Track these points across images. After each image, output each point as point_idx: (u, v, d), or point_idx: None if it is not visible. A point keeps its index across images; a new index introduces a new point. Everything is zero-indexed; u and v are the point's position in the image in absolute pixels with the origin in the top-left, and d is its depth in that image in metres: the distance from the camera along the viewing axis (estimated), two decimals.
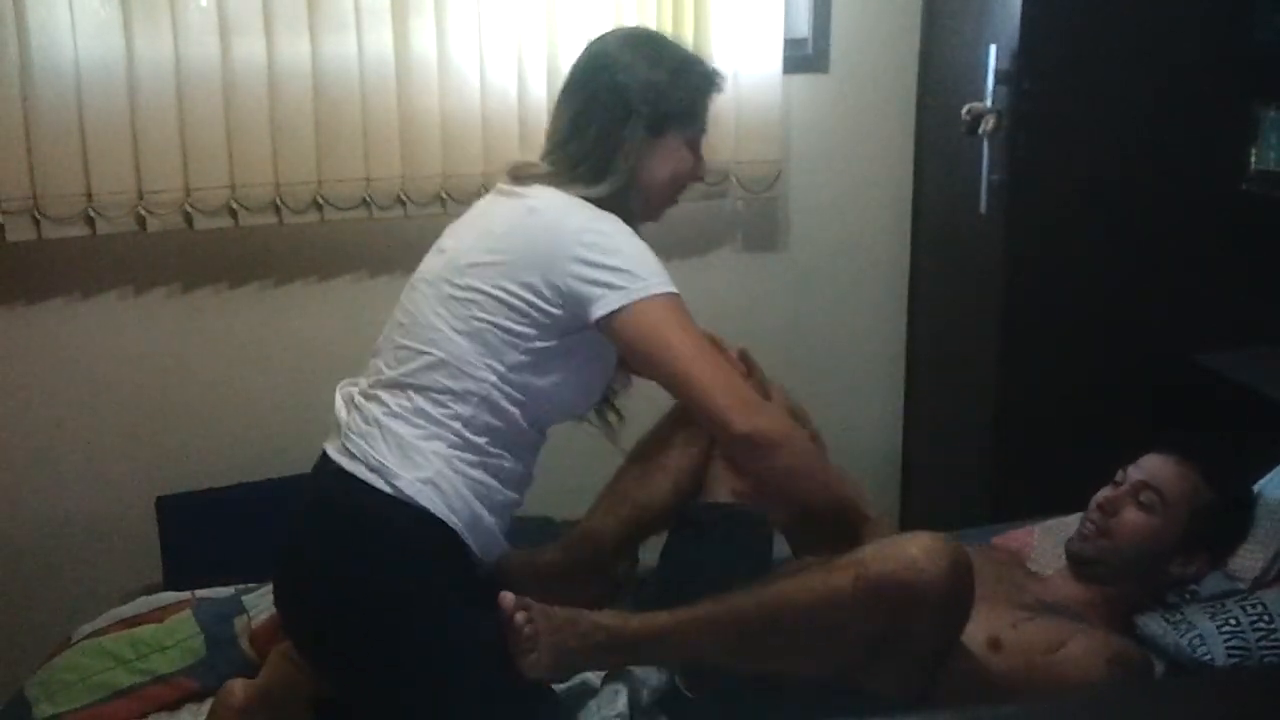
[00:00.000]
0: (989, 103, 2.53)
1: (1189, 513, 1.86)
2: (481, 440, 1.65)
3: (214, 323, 2.55)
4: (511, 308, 1.64)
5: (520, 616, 1.56)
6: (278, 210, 2.43)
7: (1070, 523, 2.05)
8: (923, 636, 1.53)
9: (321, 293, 2.62)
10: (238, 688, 1.75)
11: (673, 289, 1.66)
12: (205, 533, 2.47)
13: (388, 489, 1.61)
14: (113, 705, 1.80)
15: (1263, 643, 1.77)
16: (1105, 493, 1.91)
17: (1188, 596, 1.93)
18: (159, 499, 2.51)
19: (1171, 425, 2.52)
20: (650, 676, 1.77)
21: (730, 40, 2.64)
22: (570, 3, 2.51)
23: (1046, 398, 2.65)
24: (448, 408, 1.64)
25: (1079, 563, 1.90)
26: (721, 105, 2.67)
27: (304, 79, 2.38)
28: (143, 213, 2.35)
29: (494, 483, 1.67)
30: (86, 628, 1.99)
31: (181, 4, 2.28)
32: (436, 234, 2.61)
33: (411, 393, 1.66)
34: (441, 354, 1.65)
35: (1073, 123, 2.53)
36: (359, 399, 1.71)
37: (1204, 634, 1.78)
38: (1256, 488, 2.06)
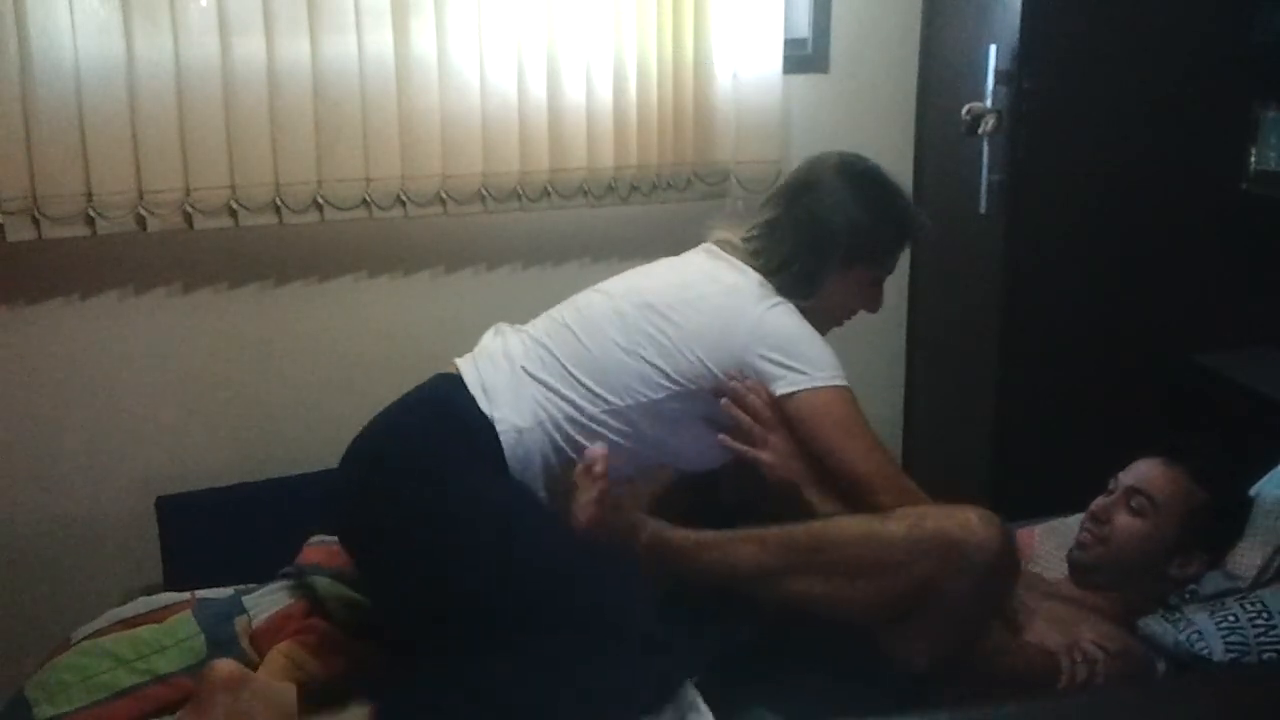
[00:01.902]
0: (989, 103, 2.54)
1: (1182, 514, 1.87)
2: (577, 437, 1.76)
3: (214, 323, 2.55)
4: (686, 359, 1.76)
5: (597, 466, 1.69)
6: (278, 210, 2.43)
7: (1071, 523, 2.06)
8: (960, 601, 1.57)
9: (321, 293, 2.62)
10: (223, 665, 1.74)
11: (846, 384, 1.78)
12: (205, 533, 2.47)
13: (486, 411, 1.74)
14: (113, 705, 1.79)
15: (1261, 639, 1.78)
16: (1099, 501, 1.94)
17: (1187, 596, 1.93)
18: (159, 499, 2.51)
19: (1171, 425, 2.52)
20: None
21: (730, 40, 2.64)
22: (570, 3, 2.51)
23: (1046, 398, 2.65)
24: (577, 393, 1.76)
25: (1080, 571, 1.92)
26: (721, 105, 2.69)
27: (304, 79, 2.38)
28: (143, 213, 2.34)
29: (560, 465, 1.78)
30: (86, 629, 1.98)
31: (181, 4, 2.28)
32: (436, 234, 2.65)
33: (554, 365, 1.78)
34: (598, 354, 1.78)
35: (1073, 123, 2.53)
36: (510, 336, 1.86)
37: (1202, 630, 1.79)
38: (1256, 487, 2.06)
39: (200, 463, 2.57)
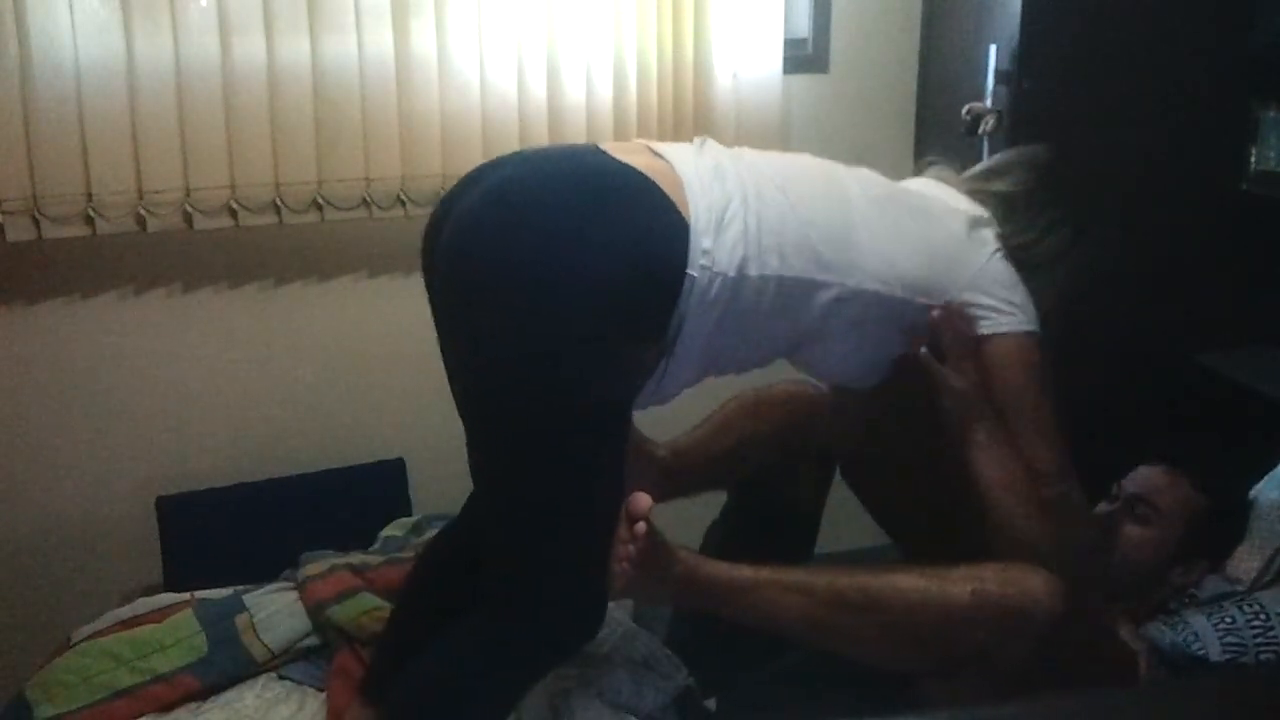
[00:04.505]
0: (989, 103, 2.53)
1: (1185, 522, 1.87)
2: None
3: (214, 323, 2.55)
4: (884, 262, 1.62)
5: (641, 525, 1.50)
6: (278, 210, 2.43)
7: None
8: (1014, 663, 1.52)
9: (321, 293, 2.62)
10: None
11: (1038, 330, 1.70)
12: (205, 533, 2.48)
13: (696, 245, 1.48)
14: (113, 705, 1.80)
15: (1258, 639, 1.78)
16: (1102, 508, 1.93)
17: (1187, 601, 1.94)
18: (159, 499, 2.51)
19: (1171, 425, 2.52)
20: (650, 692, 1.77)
21: (730, 40, 2.64)
22: (570, 3, 2.51)
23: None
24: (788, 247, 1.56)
25: None
26: (721, 105, 2.69)
27: (304, 79, 2.38)
28: (143, 213, 2.34)
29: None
30: (86, 629, 1.99)
31: (181, 4, 2.27)
32: None
33: (783, 206, 1.59)
34: (833, 218, 1.64)
35: (1072, 123, 2.53)
36: (725, 158, 1.63)
37: (1199, 631, 1.79)
38: (1255, 489, 2.06)
39: (200, 463, 2.58)
